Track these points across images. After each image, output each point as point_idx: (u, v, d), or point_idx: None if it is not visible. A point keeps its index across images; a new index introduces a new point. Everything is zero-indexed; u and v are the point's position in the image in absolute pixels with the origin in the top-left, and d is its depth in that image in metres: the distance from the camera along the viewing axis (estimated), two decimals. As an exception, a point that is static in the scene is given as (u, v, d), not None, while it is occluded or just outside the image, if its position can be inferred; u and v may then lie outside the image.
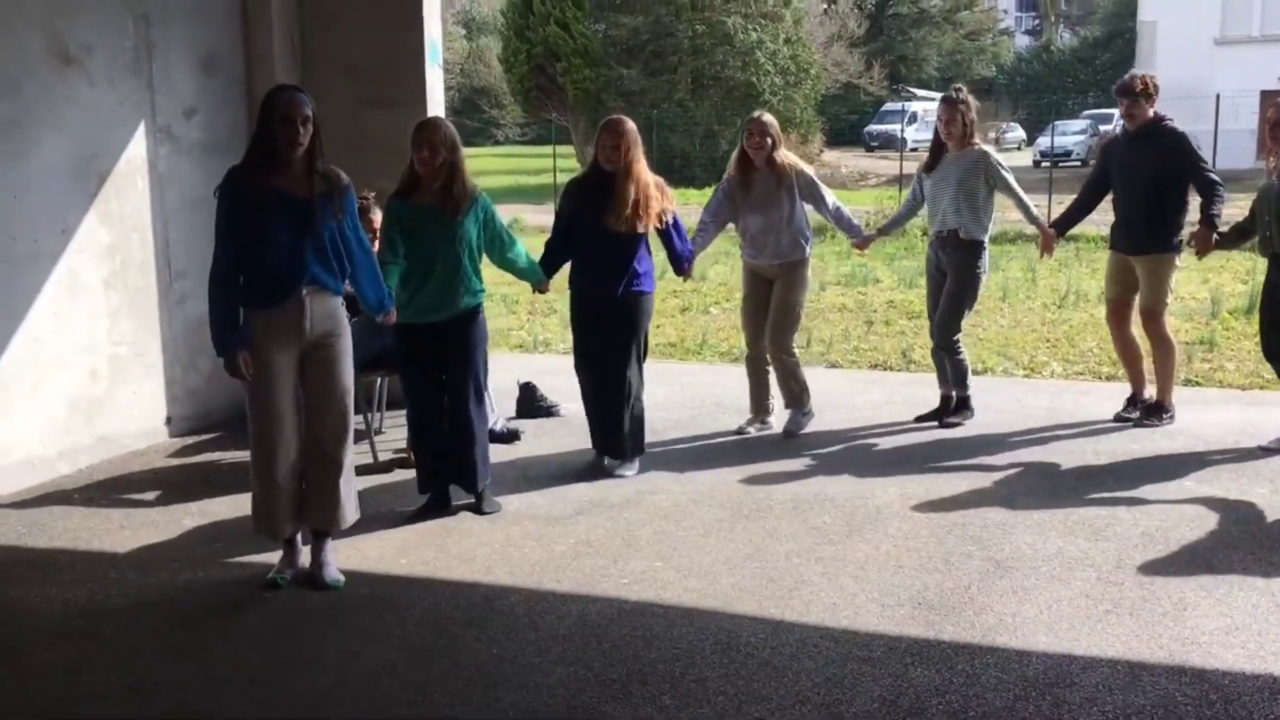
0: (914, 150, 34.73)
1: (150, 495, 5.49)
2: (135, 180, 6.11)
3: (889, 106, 39.07)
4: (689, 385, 7.67)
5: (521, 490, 5.46)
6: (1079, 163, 28.42)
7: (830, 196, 6.33)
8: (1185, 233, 6.25)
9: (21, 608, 4.22)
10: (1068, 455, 5.92)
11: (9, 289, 5.48)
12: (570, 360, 5.83)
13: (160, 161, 6.27)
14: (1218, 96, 19.22)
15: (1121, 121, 6.45)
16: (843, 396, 7.26)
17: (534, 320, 10.92)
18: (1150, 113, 6.21)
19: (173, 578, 4.47)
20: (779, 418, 6.51)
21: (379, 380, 6.39)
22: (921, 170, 6.61)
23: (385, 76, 6.82)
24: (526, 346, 9.68)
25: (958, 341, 6.50)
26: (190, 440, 6.40)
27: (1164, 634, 3.85)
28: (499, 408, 6.59)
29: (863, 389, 7.59)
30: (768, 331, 6.29)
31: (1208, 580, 4.27)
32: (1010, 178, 6.35)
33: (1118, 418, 6.52)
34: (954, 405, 6.58)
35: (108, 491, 5.54)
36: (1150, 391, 6.54)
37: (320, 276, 4.22)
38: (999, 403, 6.98)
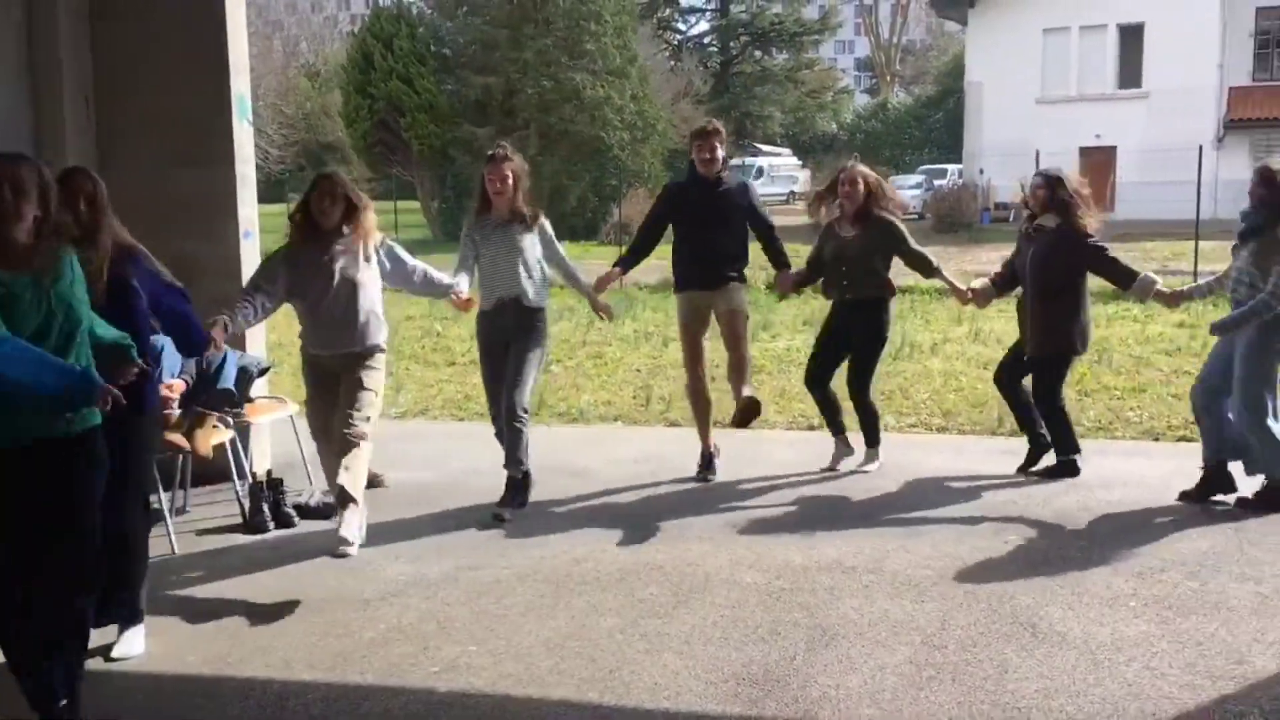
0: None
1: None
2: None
3: (734, 162, 39.73)
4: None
5: (332, 569, 5.13)
6: (916, 215, 29.37)
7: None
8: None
9: None
10: (899, 512, 5.90)
11: None
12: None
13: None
14: (1037, 153, 20.10)
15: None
16: (674, 456, 7.12)
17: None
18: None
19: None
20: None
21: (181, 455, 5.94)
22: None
23: (192, 135, 6.50)
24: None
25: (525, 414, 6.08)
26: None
27: (985, 699, 3.78)
28: (316, 479, 6.24)
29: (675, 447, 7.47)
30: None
31: (1028, 640, 4.24)
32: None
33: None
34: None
35: None
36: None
37: None
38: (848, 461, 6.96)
